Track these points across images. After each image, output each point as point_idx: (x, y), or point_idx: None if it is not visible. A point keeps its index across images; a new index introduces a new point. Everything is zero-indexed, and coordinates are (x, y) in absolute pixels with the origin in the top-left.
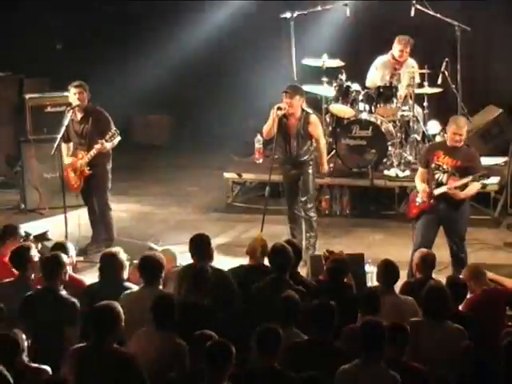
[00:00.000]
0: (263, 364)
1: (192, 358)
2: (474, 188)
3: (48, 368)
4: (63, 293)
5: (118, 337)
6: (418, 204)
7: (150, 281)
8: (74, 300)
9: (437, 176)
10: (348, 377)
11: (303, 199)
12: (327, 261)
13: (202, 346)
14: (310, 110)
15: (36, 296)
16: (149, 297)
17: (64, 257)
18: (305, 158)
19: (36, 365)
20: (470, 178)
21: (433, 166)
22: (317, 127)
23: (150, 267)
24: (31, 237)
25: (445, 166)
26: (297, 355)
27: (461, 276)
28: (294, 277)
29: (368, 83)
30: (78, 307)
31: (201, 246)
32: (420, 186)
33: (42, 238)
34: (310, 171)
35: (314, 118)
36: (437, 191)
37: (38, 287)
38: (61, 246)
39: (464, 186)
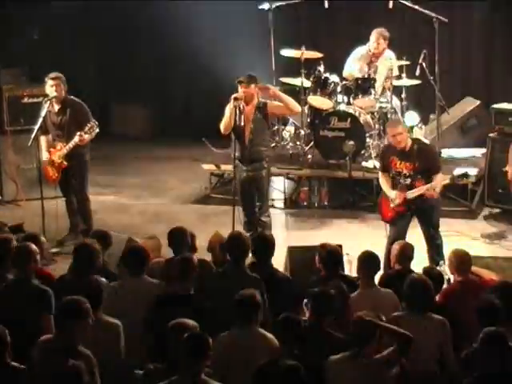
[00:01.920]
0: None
1: (170, 347)
2: (439, 179)
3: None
4: (35, 282)
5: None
6: (393, 207)
7: (137, 272)
8: (47, 288)
9: (402, 181)
10: (338, 367)
11: (259, 204)
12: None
13: (180, 335)
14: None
15: (9, 287)
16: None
17: (33, 246)
18: (262, 148)
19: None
20: (448, 181)
21: (393, 172)
22: (272, 103)
23: (136, 257)
24: (6, 228)
25: (405, 172)
26: None
27: (446, 261)
28: (265, 269)
29: (345, 73)
30: (52, 295)
31: (181, 239)
32: (390, 192)
33: (17, 229)
34: (264, 174)
35: (269, 102)
36: (410, 194)
37: (10, 277)
38: (32, 237)
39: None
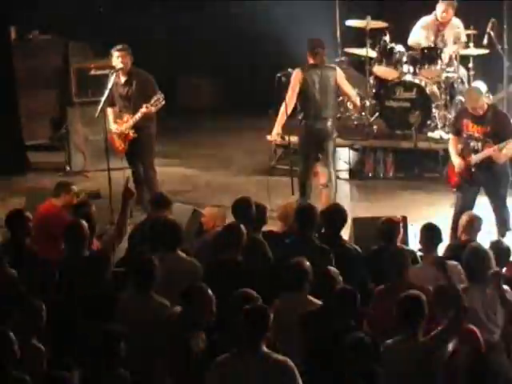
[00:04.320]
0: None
1: (230, 317)
2: (509, 144)
3: None
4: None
5: None
6: (458, 171)
7: (171, 246)
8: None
9: (471, 144)
10: (392, 353)
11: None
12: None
13: (241, 306)
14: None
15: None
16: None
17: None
18: (329, 108)
19: None
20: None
21: (465, 135)
22: (342, 75)
23: (168, 233)
24: (83, 194)
25: (476, 135)
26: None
27: None
28: (334, 240)
29: (410, 42)
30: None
31: (243, 210)
32: (455, 159)
33: (94, 195)
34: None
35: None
36: (474, 158)
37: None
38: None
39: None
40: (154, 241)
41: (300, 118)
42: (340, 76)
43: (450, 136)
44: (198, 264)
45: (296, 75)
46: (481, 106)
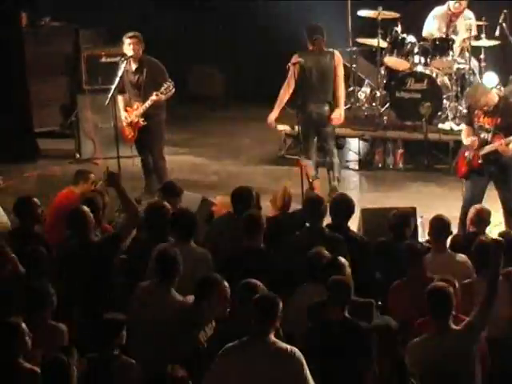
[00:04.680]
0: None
1: (240, 306)
2: None
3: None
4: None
5: None
6: (467, 160)
7: (185, 237)
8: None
9: (482, 136)
10: (423, 349)
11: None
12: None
13: (251, 295)
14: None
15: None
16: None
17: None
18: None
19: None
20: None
21: (476, 126)
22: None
23: (184, 223)
24: (101, 182)
25: (487, 126)
26: None
27: None
28: (340, 230)
29: (424, 33)
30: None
31: (246, 199)
32: (467, 139)
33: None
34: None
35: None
36: (483, 150)
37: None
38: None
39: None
40: (164, 229)
41: (299, 103)
42: (338, 60)
43: (464, 126)
44: (209, 255)
45: (292, 61)
46: (485, 103)
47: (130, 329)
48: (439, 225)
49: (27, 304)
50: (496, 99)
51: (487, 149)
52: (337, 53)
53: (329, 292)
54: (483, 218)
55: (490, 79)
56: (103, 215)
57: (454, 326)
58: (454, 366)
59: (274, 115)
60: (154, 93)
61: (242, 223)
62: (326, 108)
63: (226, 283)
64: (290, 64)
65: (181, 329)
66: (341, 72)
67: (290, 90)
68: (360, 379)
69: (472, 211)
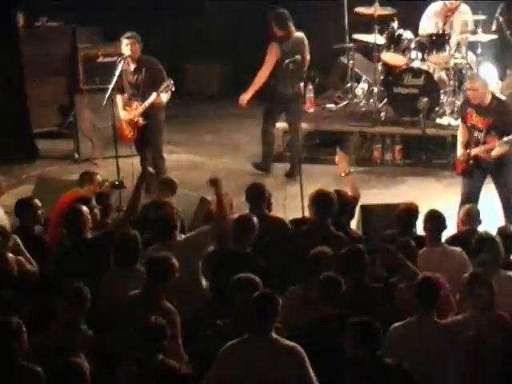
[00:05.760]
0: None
1: (236, 303)
2: (503, 148)
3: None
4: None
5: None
6: (458, 162)
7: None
8: None
9: (476, 134)
10: (402, 333)
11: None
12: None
13: (245, 291)
14: None
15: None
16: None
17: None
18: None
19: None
20: (498, 142)
21: (469, 125)
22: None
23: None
24: (107, 183)
25: (479, 126)
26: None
27: None
28: (343, 230)
29: (421, 31)
30: None
31: (256, 196)
32: (459, 150)
33: (118, 185)
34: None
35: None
36: (473, 151)
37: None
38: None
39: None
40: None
41: (272, 83)
42: (306, 44)
43: (460, 123)
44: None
45: (272, 48)
46: (480, 97)
47: None
48: (433, 220)
49: None
50: (489, 98)
51: (476, 151)
52: (304, 37)
53: (320, 289)
54: (473, 217)
55: (488, 71)
56: (107, 216)
57: (436, 319)
58: (427, 360)
59: (247, 96)
60: (154, 92)
61: (232, 226)
62: (296, 89)
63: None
64: (268, 51)
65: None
66: (307, 55)
67: (266, 76)
68: None
69: (461, 211)
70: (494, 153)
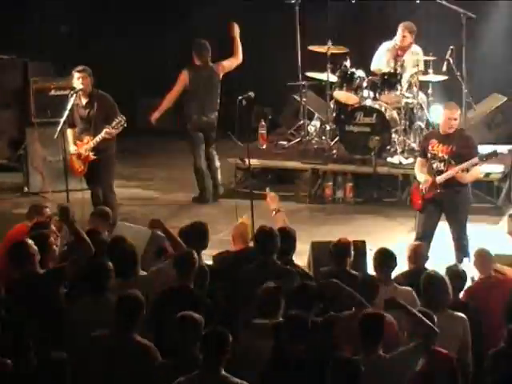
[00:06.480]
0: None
1: (186, 344)
2: (477, 171)
3: None
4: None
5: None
6: (422, 194)
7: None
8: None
9: (434, 165)
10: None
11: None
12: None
13: (197, 332)
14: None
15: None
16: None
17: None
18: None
19: None
20: (476, 159)
21: (429, 155)
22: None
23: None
24: (56, 217)
25: (440, 155)
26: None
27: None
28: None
29: (373, 67)
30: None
31: (195, 235)
32: (421, 176)
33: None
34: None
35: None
36: (440, 178)
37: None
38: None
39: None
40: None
41: (186, 113)
42: (222, 66)
43: (418, 158)
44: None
45: (183, 75)
46: (454, 120)
47: None
48: (382, 257)
49: None
50: (455, 125)
51: (444, 177)
52: (219, 66)
53: (285, 331)
54: (420, 254)
55: (438, 112)
56: (51, 250)
57: (382, 353)
58: None
59: (157, 115)
60: (105, 127)
61: (175, 262)
62: (213, 117)
63: None
64: (178, 78)
65: None
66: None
67: (173, 100)
68: None
69: (409, 248)
70: (470, 173)
